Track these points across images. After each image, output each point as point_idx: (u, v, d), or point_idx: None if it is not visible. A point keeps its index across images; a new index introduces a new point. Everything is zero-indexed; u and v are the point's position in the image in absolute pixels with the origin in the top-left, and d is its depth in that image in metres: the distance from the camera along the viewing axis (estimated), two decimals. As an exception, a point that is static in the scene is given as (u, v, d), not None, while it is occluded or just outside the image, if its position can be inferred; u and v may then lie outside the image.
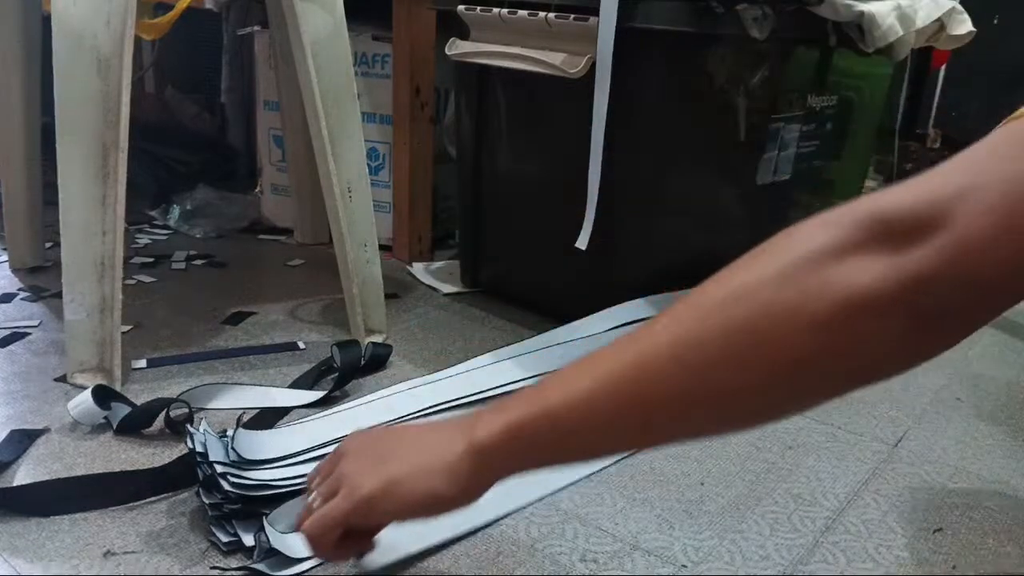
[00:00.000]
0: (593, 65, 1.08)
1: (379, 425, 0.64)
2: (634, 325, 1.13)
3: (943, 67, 2.28)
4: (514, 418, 0.54)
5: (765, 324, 0.47)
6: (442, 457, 0.55)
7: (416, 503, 0.57)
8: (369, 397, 0.97)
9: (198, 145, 2.12)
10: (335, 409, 0.94)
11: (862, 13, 1.22)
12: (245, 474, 0.79)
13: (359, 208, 1.17)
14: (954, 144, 2.32)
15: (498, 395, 0.99)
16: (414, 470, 0.56)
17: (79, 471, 0.86)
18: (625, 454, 0.95)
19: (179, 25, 1.24)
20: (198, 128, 2.22)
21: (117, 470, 0.86)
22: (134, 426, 0.94)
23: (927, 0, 1.33)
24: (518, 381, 1.01)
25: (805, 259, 0.48)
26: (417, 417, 0.94)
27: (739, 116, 1.21)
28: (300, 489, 0.81)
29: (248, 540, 0.74)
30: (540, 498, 0.86)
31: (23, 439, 0.91)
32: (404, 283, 1.48)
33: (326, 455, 0.85)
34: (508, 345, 1.09)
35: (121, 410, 0.94)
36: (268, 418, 0.97)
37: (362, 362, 1.10)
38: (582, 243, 1.14)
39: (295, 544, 0.74)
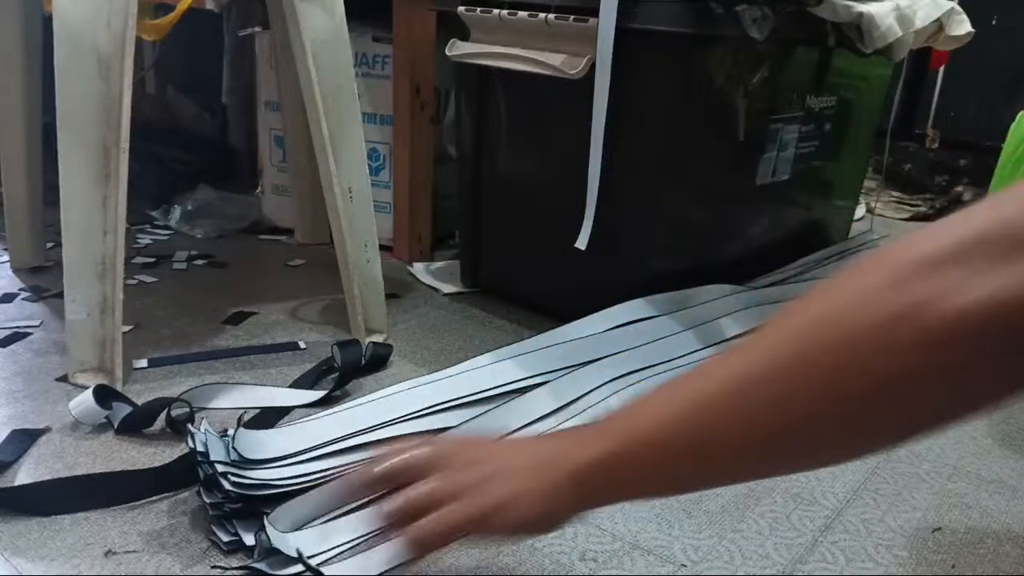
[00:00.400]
0: (593, 66, 1.08)
1: (471, 435, 0.62)
2: (633, 325, 1.13)
3: (942, 68, 2.28)
4: (610, 449, 0.51)
5: (858, 339, 0.40)
6: (552, 481, 0.53)
7: (525, 526, 0.55)
8: (369, 397, 0.97)
9: (199, 145, 2.12)
10: (335, 409, 0.94)
11: (861, 14, 1.22)
12: (246, 473, 0.79)
13: (359, 208, 1.17)
14: (953, 144, 2.33)
15: (499, 395, 1.00)
16: (528, 491, 0.53)
17: (80, 471, 0.86)
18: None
19: (180, 26, 1.24)
20: (199, 128, 2.22)
21: (118, 470, 0.87)
22: (135, 426, 0.94)
23: (926, 1, 1.33)
24: (518, 381, 1.01)
25: (907, 267, 0.40)
26: (417, 417, 0.94)
27: (739, 116, 1.21)
28: (300, 489, 0.81)
29: (249, 539, 0.75)
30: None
31: (24, 439, 0.91)
32: (404, 283, 1.48)
33: (326, 455, 0.86)
34: (508, 345, 1.09)
35: (122, 410, 0.95)
36: (269, 418, 0.97)
37: (362, 362, 1.11)
38: (582, 243, 1.14)
39: (295, 543, 0.74)
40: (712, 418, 0.46)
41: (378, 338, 1.21)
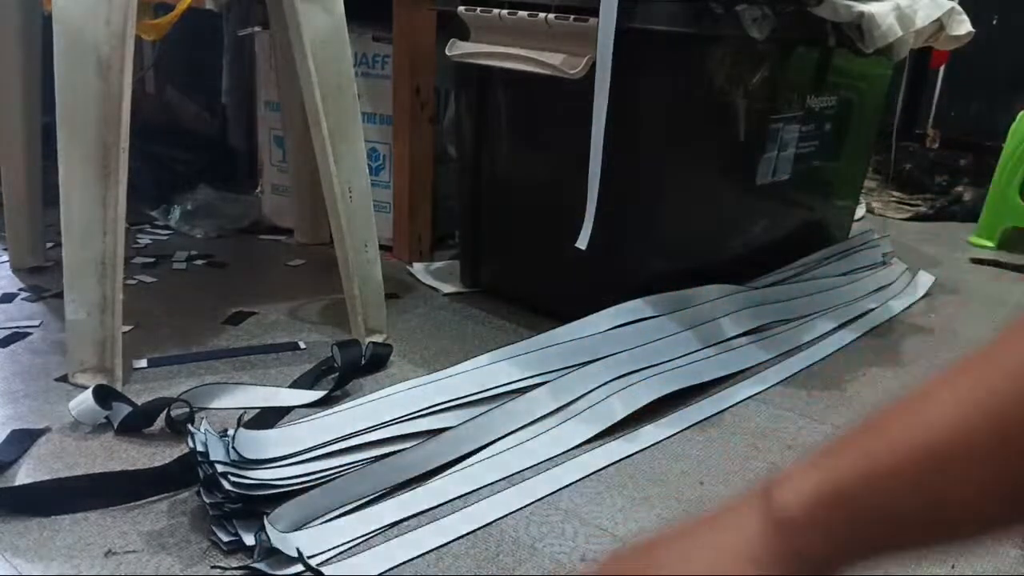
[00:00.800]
0: (593, 65, 1.08)
1: (634, 545, 0.42)
2: (633, 325, 1.13)
3: (942, 67, 2.28)
4: (834, 478, 0.37)
5: None
6: (742, 545, 0.38)
7: None
8: (369, 397, 0.97)
9: (199, 145, 2.12)
10: (335, 409, 0.94)
11: (861, 14, 1.22)
12: (246, 474, 0.79)
13: (359, 208, 1.17)
14: (953, 144, 2.33)
15: (499, 395, 1.00)
16: (717, 553, 0.39)
17: (80, 471, 0.86)
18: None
19: (180, 25, 1.24)
20: (199, 128, 2.22)
21: (118, 470, 0.87)
22: (135, 426, 0.94)
23: (926, 1, 1.33)
24: (518, 381, 1.01)
25: None
26: (417, 417, 0.94)
27: (739, 116, 1.21)
28: (300, 489, 0.81)
29: (249, 539, 0.75)
30: (540, 498, 0.87)
31: (24, 439, 0.91)
32: (404, 283, 1.48)
33: (326, 455, 0.86)
34: (508, 345, 1.09)
35: (122, 410, 0.95)
36: (269, 418, 0.97)
37: (362, 362, 1.11)
38: (582, 243, 1.14)
39: (295, 543, 0.74)
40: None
41: (378, 338, 1.21)
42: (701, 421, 1.04)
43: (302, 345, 1.20)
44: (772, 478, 0.39)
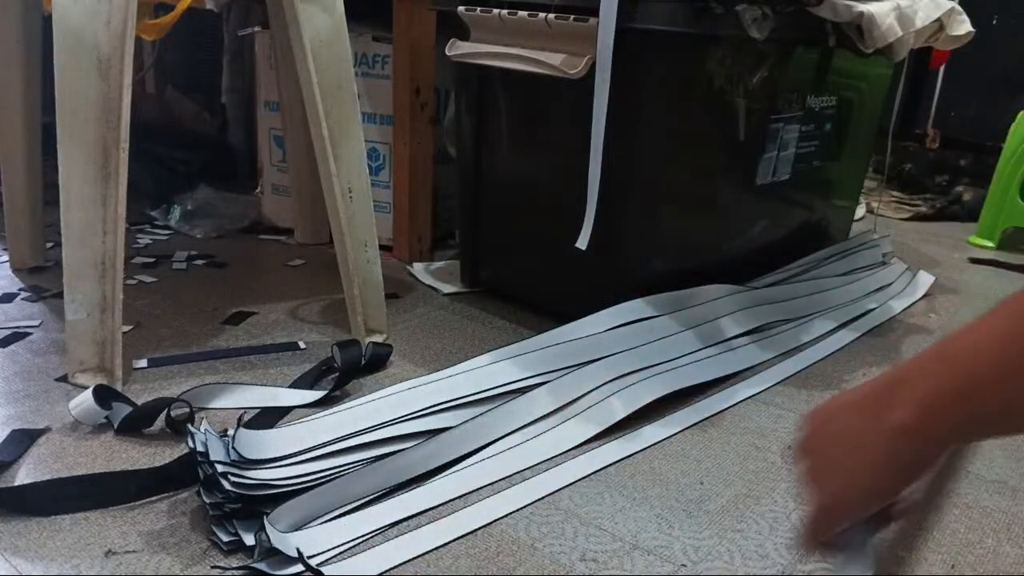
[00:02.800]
0: (593, 66, 1.08)
1: (824, 405, 0.59)
2: (633, 325, 1.13)
3: (942, 67, 2.28)
4: (926, 393, 0.49)
5: None
6: (872, 457, 0.52)
7: (869, 501, 0.55)
8: (369, 397, 0.97)
9: (199, 145, 2.12)
10: (335, 409, 0.94)
11: (861, 14, 1.22)
12: (246, 473, 0.79)
13: (359, 208, 1.17)
14: (953, 144, 2.33)
15: (499, 395, 1.00)
16: (851, 475, 0.54)
17: (80, 471, 0.86)
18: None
19: (180, 25, 1.23)
20: (198, 128, 2.22)
21: (118, 470, 0.87)
22: (135, 426, 0.94)
23: (926, 1, 1.33)
24: (518, 381, 1.01)
25: None
26: (417, 417, 0.94)
27: (739, 116, 1.21)
28: (300, 488, 0.81)
29: (249, 539, 0.75)
30: (540, 498, 0.87)
31: (24, 439, 0.91)
32: (404, 283, 1.48)
33: (326, 455, 0.86)
34: (508, 345, 1.09)
35: (122, 410, 0.95)
36: (269, 418, 0.97)
37: (362, 362, 1.11)
38: (582, 243, 1.14)
39: (295, 543, 0.74)
40: None
41: (378, 338, 1.21)
42: (701, 421, 1.04)
43: (302, 345, 1.20)
44: (890, 381, 0.51)
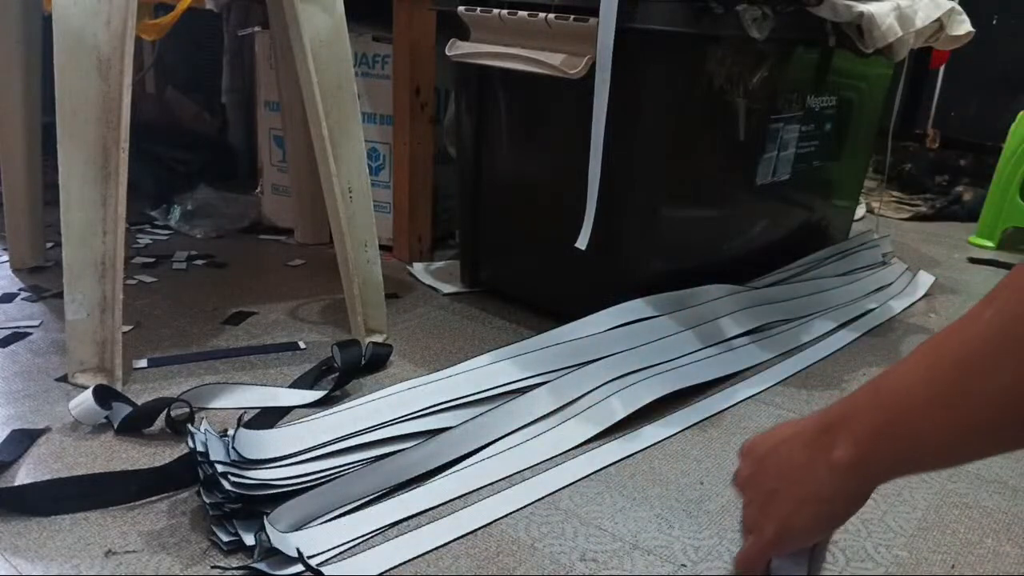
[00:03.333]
0: (593, 66, 1.08)
1: (759, 436, 0.62)
2: (633, 325, 1.13)
3: (942, 67, 2.28)
4: (863, 432, 0.52)
5: None
6: (814, 488, 0.55)
7: (814, 531, 0.59)
8: (369, 397, 0.97)
9: (198, 145, 2.12)
10: (335, 409, 0.94)
11: (861, 14, 1.22)
12: (246, 473, 0.79)
13: (359, 208, 1.17)
14: (953, 144, 2.33)
15: (499, 395, 1.00)
16: (798, 506, 0.56)
17: (80, 471, 0.86)
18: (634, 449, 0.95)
19: (179, 25, 1.23)
20: (198, 128, 2.22)
21: (118, 470, 0.87)
22: (135, 426, 0.94)
23: (926, 1, 1.33)
24: (518, 381, 1.01)
25: None
26: (417, 417, 0.94)
27: (739, 116, 1.21)
28: (300, 488, 0.81)
29: (249, 539, 0.75)
30: (540, 498, 0.87)
31: (24, 439, 0.91)
32: (404, 283, 1.48)
33: (326, 455, 0.86)
34: (508, 345, 1.09)
35: (122, 410, 0.95)
36: (269, 418, 0.97)
37: (362, 362, 1.11)
38: (582, 243, 1.14)
39: (295, 543, 0.74)
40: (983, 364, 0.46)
41: (378, 338, 1.21)
42: (701, 421, 1.04)
43: (302, 345, 1.20)
44: (830, 422, 0.54)
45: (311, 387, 1.06)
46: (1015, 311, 0.44)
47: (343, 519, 0.80)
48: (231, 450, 0.81)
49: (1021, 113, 1.92)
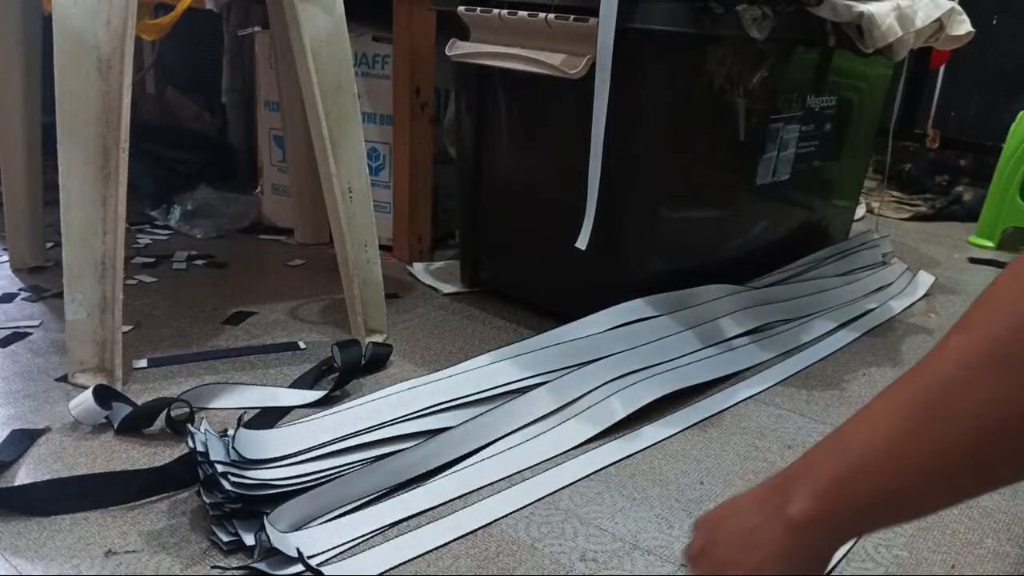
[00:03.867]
0: (593, 66, 1.08)
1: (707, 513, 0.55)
2: (633, 325, 1.13)
3: (942, 67, 2.28)
4: (822, 483, 0.47)
5: None
6: (769, 551, 0.50)
7: None
8: (369, 397, 0.97)
9: (198, 145, 2.12)
10: (335, 409, 0.94)
11: (861, 14, 1.22)
12: (246, 474, 0.79)
13: (359, 208, 1.17)
14: (953, 144, 2.33)
15: (499, 395, 1.00)
16: (751, 574, 0.51)
17: (80, 471, 0.86)
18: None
19: (179, 25, 1.24)
20: (198, 128, 2.22)
21: (118, 470, 0.87)
22: (135, 426, 0.94)
23: (926, 1, 1.33)
24: (518, 381, 1.01)
25: None
26: (417, 417, 0.94)
27: (739, 116, 1.21)
28: (300, 489, 0.81)
29: (249, 539, 0.75)
30: (540, 498, 0.87)
31: (24, 439, 0.91)
32: (404, 283, 1.48)
33: (326, 455, 0.86)
34: (508, 345, 1.09)
35: (122, 410, 0.95)
36: (269, 418, 0.97)
37: (362, 362, 1.11)
38: (582, 243, 1.14)
39: (295, 543, 0.74)
40: (955, 406, 0.43)
41: (378, 338, 1.21)
42: (701, 421, 1.04)
43: (302, 345, 1.20)
44: (786, 478, 0.49)
45: (311, 387, 1.06)
46: (991, 332, 0.41)
47: (343, 519, 0.80)
48: (231, 450, 0.81)
49: (1021, 113, 1.92)
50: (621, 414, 1.00)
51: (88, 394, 0.93)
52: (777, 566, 0.48)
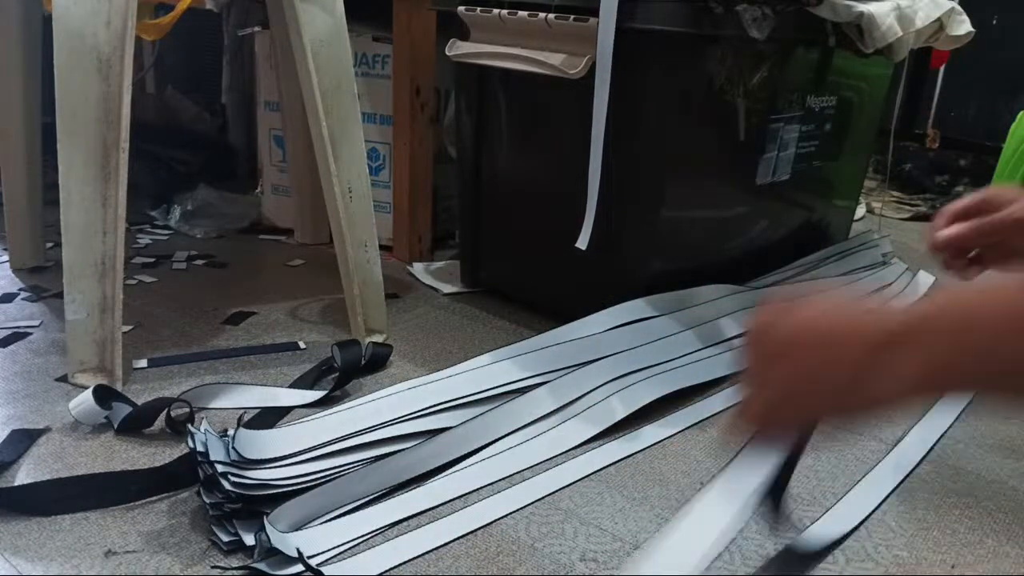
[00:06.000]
0: (593, 66, 1.08)
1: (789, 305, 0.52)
2: (633, 325, 1.13)
3: (942, 68, 2.28)
4: (940, 344, 0.45)
5: None
6: (873, 392, 0.47)
7: (844, 416, 0.51)
8: (369, 397, 0.97)
9: (199, 145, 2.12)
10: (335, 409, 0.94)
11: (861, 14, 1.22)
12: (246, 473, 0.79)
13: (359, 208, 1.17)
14: (953, 144, 2.33)
15: (499, 395, 1.00)
16: (849, 386, 0.48)
17: (80, 471, 0.86)
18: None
19: (179, 25, 1.23)
20: (198, 128, 2.22)
21: (118, 470, 0.87)
22: (135, 426, 0.94)
23: (926, 1, 1.33)
24: (518, 381, 1.01)
25: None
26: (417, 417, 0.94)
27: (739, 116, 1.21)
28: (300, 489, 0.81)
29: (249, 539, 0.75)
30: (540, 498, 0.87)
31: (24, 439, 0.91)
32: (404, 283, 1.48)
33: (326, 455, 0.86)
34: (508, 345, 1.09)
35: (122, 410, 0.95)
36: (269, 418, 0.97)
37: (362, 362, 1.11)
38: (582, 243, 1.14)
39: (295, 543, 0.74)
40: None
41: (378, 338, 1.21)
42: (701, 421, 1.04)
43: (302, 345, 1.20)
44: (892, 329, 0.46)
45: (311, 387, 1.06)
46: None
47: (343, 519, 0.80)
48: (231, 450, 0.81)
49: (1021, 113, 1.92)
50: (621, 414, 1.00)
51: (88, 394, 0.93)
52: (875, 404, 0.47)
